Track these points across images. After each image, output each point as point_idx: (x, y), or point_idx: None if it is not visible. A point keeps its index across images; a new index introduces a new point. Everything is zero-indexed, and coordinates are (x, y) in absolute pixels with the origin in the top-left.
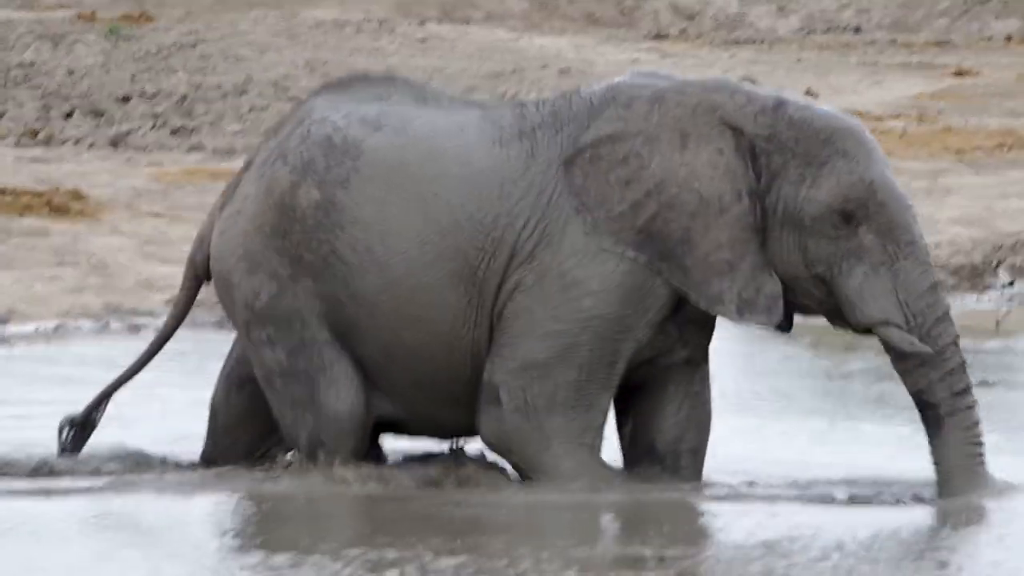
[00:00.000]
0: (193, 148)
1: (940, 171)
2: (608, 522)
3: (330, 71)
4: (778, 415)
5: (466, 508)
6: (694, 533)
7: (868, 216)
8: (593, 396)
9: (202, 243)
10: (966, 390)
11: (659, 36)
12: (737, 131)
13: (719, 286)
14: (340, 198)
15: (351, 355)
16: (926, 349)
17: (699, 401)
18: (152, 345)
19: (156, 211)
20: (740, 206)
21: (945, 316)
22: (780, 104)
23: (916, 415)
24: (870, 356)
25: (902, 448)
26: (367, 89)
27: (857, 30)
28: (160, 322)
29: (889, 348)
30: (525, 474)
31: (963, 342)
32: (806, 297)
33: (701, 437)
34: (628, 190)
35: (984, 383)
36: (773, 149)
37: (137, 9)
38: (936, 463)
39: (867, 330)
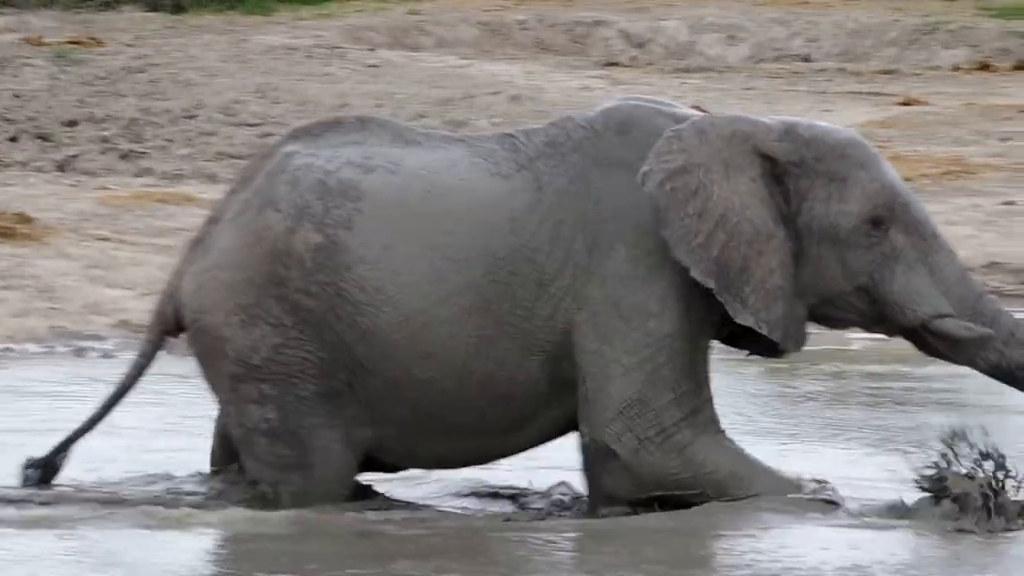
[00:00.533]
0: (141, 172)
1: None
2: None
3: (280, 96)
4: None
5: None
6: None
7: (895, 218)
8: (694, 398)
9: (171, 299)
10: None
11: (610, 63)
12: (768, 159)
13: (776, 312)
14: (343, 239)
15: (347, 407)
16: (985, 331)
17: None
18: (115, 393)
19: (103, 235)
20: (782, 231)
21: (983, 293)
22: (791, 127)
23: (865, 435)
24: (820, 380)
25: (855, 468)
26: (341, 133)
27: (806, 59)
28: (106, 346)
29: (942, 341)
30: (687, 501)
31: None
32: (850, 311)
33: None
34: (702, 222)
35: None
36: (801, 173)
37: (85, 33)
38: None
39: (909, 331)
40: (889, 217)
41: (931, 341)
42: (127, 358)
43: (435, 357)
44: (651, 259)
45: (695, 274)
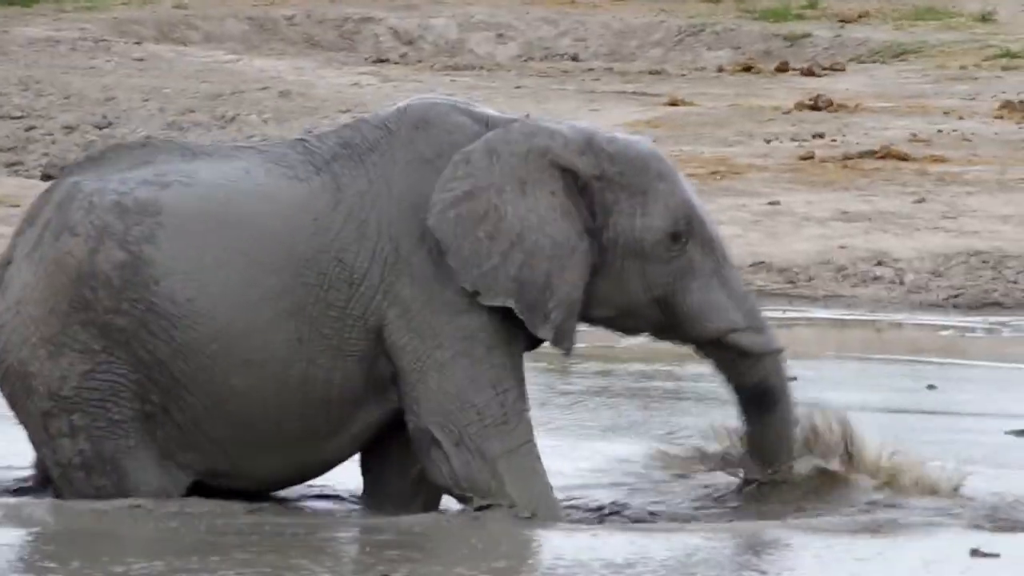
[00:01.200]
0: None
1: None
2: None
3: (43, 89)
4: None
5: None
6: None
7: (692, 233)
8: (516, 404)
9: None
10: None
11: (379, 60)
12: (568, 172)
13: (570, 324)
14: (149, 253)
15: (160, 429)
16: (776, 345)
17: None
18: None
19: None
20: (584, 244)
21: (760, 310)
22: (591, 140)
23: (640, 433)
24: (589, 377)
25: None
26: (126, 157)
27: (575, 58)
28: None
29: (729, 353)
30: (478, 505)
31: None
32: (643, 321)
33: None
34: (495, 243)
35: None
36: (604, 186)
37: None
38: (764, 438)
39: (700, 343)
40: (688, 232)
41: (717, 353)
42: None
43: (253, 364)
44: (488, 295)
45: (487, 299)
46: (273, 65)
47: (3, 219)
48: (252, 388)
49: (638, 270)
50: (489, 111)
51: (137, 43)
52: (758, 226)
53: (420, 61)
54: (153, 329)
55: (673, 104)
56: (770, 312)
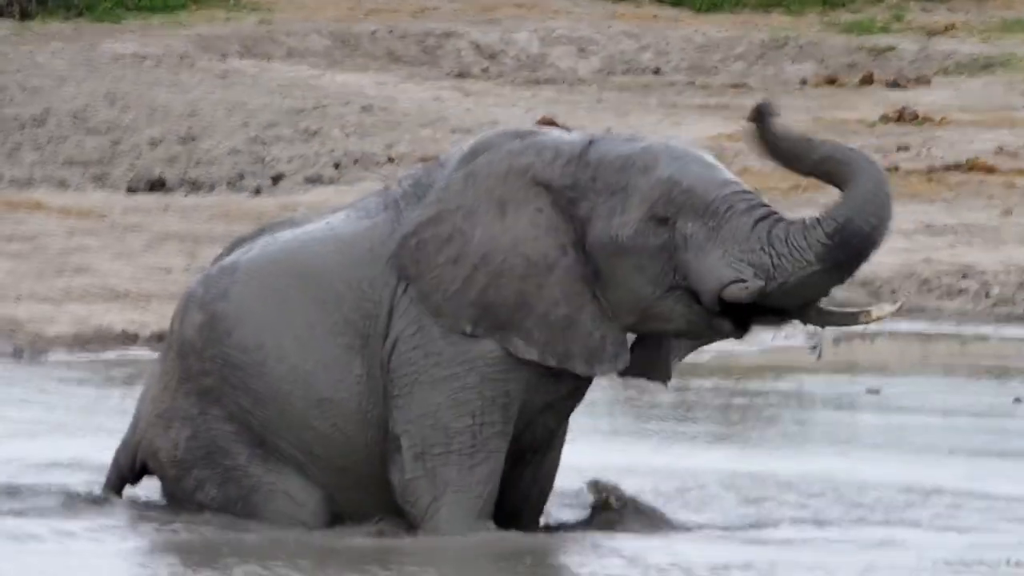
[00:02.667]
0: None
1: None
2: None
3: (129, 103)
4: None
5: None
6: None
7: (679, 208)
8: (489, 442)
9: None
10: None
11: (461, 75)
12: (549, 188)
13: (564, 342)
14: (221, 309)
15: (276, 465)
16: (758, 283)
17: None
18: None
19: None
20: (567, 259)
21: (773, 225)
22: (585, 149)
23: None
24: None
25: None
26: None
27: (657, 72)
28: None
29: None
30: (414, 523)
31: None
32: (678, 317)
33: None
34: (458, 267)
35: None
36: (577, 196)
37: None
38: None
39: (731, 308)
40: (672, 210)
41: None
42: None
43: (329, 403)
44: (448, 320)
45: (445, 324)
46: (355, 80)
47: (90, 231)
48: (335, 428)
49: (632, 267)
50: (559, 135)
51: (221, 58)
52: None
53: (502, 75)
54: (233, 382)
55: None
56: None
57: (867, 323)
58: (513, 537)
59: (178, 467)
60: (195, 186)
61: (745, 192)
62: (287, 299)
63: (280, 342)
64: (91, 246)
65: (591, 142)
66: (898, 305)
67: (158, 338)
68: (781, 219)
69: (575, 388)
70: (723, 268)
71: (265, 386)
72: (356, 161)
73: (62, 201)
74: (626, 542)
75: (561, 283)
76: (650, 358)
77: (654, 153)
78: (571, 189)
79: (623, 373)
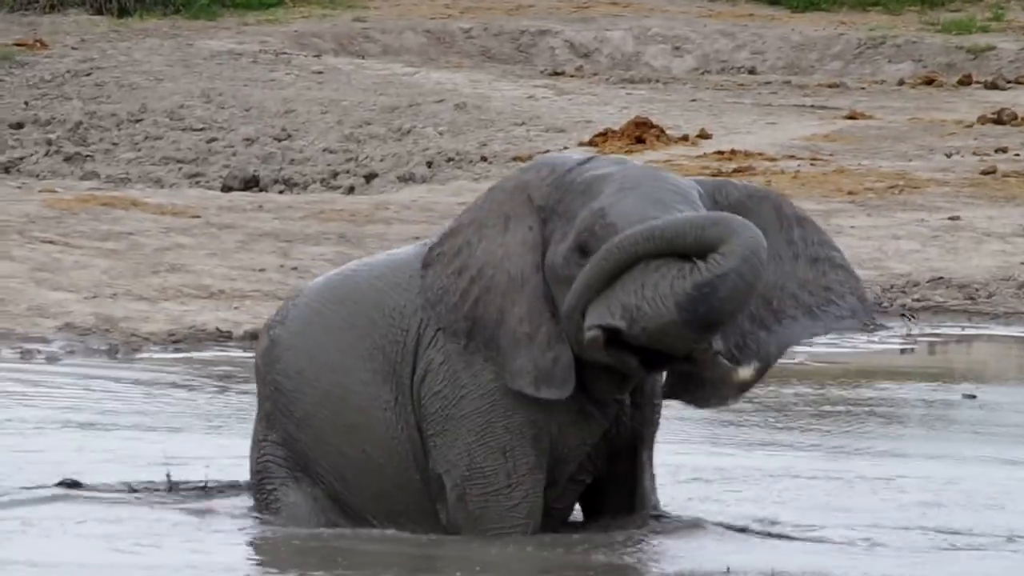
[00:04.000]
0: (87, 175)
1: (832, 212)
2: None
3: (225, 101)
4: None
5: None
6: None
7: (599, 240)
8: (524, 480)
9: None
10: None
11: (555, 73)
12: (538, 206)
13: (520, 360)
14: (278, 334)
15: (310, 488)
16: (618, 324)
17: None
18: None
19: (49, 237)
20: (537, 277)
21: (657, 268)
22: (569, 170)
23: None
24: None
25: None
26: None
27: (752, 71)
28: (51, 348)
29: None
30: None
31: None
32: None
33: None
34: (460, 279)
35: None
36: (547, 217)
37: (31, 36)
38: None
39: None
40: (593, 241)
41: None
42: (71, 362)
43: (357, 429)
44: (448, 333)
45: (449, 338)
46: (449, 78)
47: (184, 229)
48: (366, 456)
49: (562, 295)
50: (565, 156)
51: (316, 56)
52: (937, 241)
53: (596, 74)
54: (280, 407)
55: (852, 118)
56: (949, 329)
57: (731, 391)
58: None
59: (253, 489)
60: (289, 184)
61: (656, 230)
62: (328, 325)
63: (317, 368)
64: (186, 244)
65: (579, 164)
66: (753, 369)
67: (251, 337)
68: (669, 263)
69: (629, 412)
70: (600, 307)
71: (303, 411)
72: (449, 160)
73: (157, 199)
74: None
75: (529, 300)
76: (692, 382)
77: (608, 181)
78: (544, 210)
79: (666, 395)
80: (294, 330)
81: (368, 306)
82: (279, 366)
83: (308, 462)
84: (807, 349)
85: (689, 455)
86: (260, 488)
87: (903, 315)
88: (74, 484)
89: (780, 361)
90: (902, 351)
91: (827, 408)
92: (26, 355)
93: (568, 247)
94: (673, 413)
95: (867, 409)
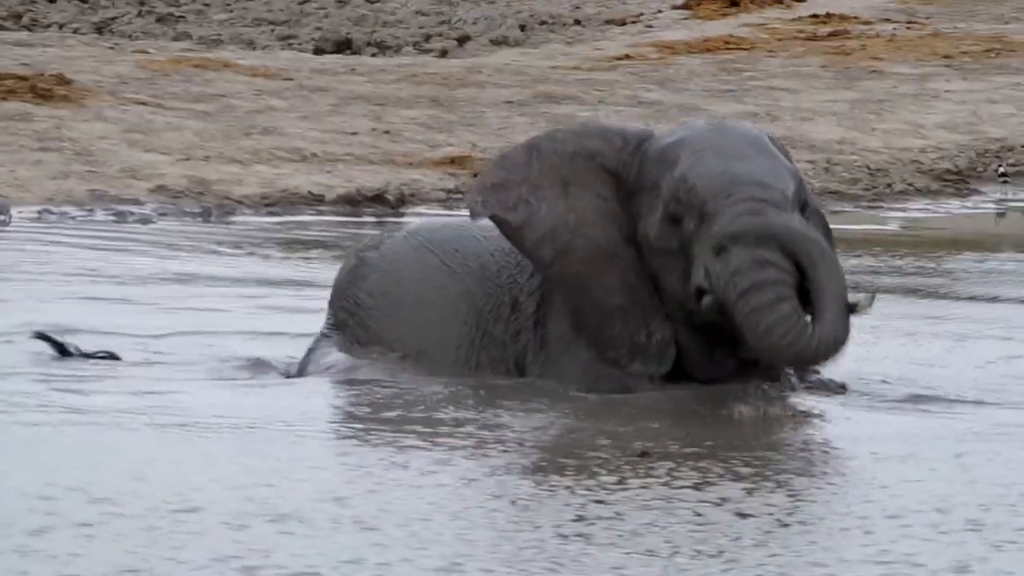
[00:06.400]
0: (179, 36)
1: (928, 76)
2: None
3: None
4: None
5: None
6: None
7: (686, 206)
8: None
9: None
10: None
11: None
12: (615, 176)
13: (611, 331)
14: (368, 257)
15: None
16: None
17: None
18: None
19: (141, 99)
20: (628, 251)
21: (743, 271)
22: (642, 141)
23: None
24: None
25: None
26: None
27: None
28: (144, 210)
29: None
30: None
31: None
32: (718, 321)
33: None
34: (524, 233)
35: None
36: (633, 189)
37: None
38: None
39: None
40: (681, 209)
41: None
42: (164, 224)
43: (427, 360)
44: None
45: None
46: None
47: (276, 92)
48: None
49: (665, 267)
50: (631, 128)
51: None
52: None
53: None
54: (355, 319)
55: None
56: None
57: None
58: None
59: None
60: (382, 47)
61: (746, 197)
62: (424, 262)
63: (401, 293)
64: (278, 107)
65: (651, 132)
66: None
67: (344, 201)
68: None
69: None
70: (698, 274)
71: (378, 328)
72: (542, 23)
73: (250, 61)
74: None
75: (621, 273)
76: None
77: (681, 146)
78: (630, 183)
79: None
80: (387, 256)
81: (468, 255)
82: (364, 284)
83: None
84: (901, 215)
85: None
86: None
87: (1000, 179)
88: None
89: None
90: (997, 216)
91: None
92: (120, 216)
93: (659, 219)
94: None
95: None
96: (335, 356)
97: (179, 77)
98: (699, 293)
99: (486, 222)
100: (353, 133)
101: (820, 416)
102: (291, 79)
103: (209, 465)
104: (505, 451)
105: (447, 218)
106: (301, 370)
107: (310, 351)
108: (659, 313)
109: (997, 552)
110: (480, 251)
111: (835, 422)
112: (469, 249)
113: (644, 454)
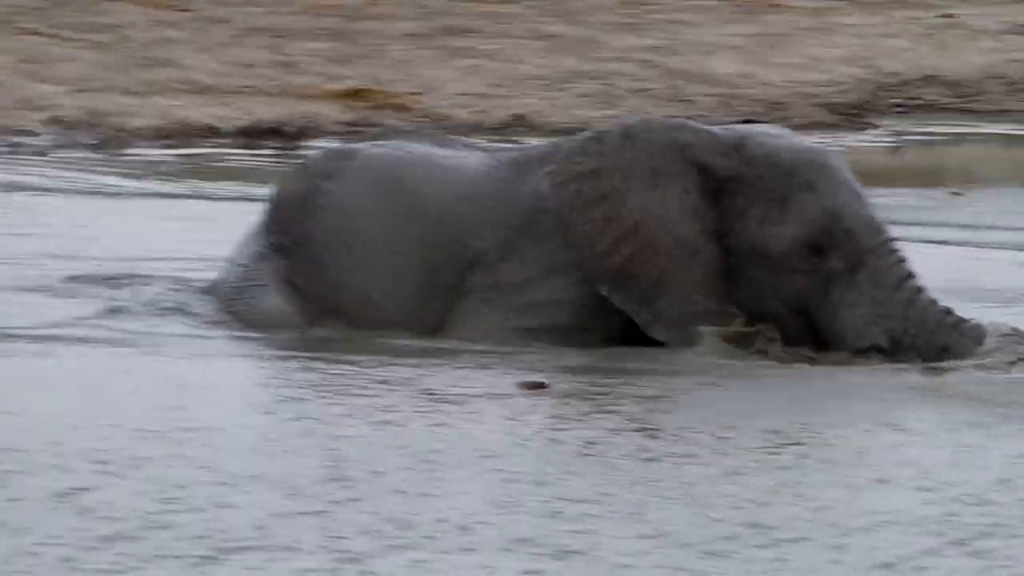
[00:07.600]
0: None
1: (826, 9)
2: None
3: None
4: None
5: None
6: None
7: (836, 244)
8: None
9: None
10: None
11: None
12: (705, 172)
13: (692, 327)
14: (325, 186)
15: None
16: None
17: None
18: None
19: (36, 28)
20: (710, 248)
21: (919, 306)
22: (742, 142)
23: None
24: None
25: None
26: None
27: None
28: (39, 142)
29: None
30: None
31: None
32: (789, 329)
33: None
34: (609, 228)
35: None
36: (738, 190)
37: None
38: None
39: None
40: (828, 244)
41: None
42: (59, 155)
43: (382, 307)
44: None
45: (592, 282)
46: None
47: (174, 23)
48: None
49: (770, 280)
50: (717, 127)
51: None
52: (929, 40)
53: None
54: (304, 252)
55: None
56: (939, 127)
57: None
58: None
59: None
60: None
61: (893, 244)
62: (378, 201)
63: (354, 235)
64: (175, 38)
65: (745, 135)
66: None
67: (242, 133)
68: (922, 288)
69: None
70: (862, 327)
71: (328, 268)
72: None
73: None
74: None
75: (703, 269)
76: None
77: (819, 169)
78: (733, 181)
79: None
80: (345, 190)
81: (430, 202)
82: (318, 215)
83: (317, 307)
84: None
85: None
86: (242, 294)
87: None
88: None
89: None
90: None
91: None
92: (15, 147)
93: (794, 238)
94: None
95: None
96: (274, 301)
97: (74, 7)
98: (876, 348)
99: (454, 158)
100: (251, 65)
101: None
102: (188, 10)
103: None
104: None
105: (412, 149)
106: (231, 290)
107: (244, 268)
108: (736, 312)
109: None
110: (444, 198)
111: None
112: (433, 196)
113: None
